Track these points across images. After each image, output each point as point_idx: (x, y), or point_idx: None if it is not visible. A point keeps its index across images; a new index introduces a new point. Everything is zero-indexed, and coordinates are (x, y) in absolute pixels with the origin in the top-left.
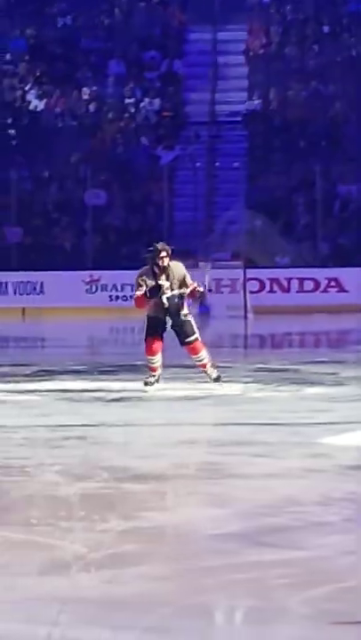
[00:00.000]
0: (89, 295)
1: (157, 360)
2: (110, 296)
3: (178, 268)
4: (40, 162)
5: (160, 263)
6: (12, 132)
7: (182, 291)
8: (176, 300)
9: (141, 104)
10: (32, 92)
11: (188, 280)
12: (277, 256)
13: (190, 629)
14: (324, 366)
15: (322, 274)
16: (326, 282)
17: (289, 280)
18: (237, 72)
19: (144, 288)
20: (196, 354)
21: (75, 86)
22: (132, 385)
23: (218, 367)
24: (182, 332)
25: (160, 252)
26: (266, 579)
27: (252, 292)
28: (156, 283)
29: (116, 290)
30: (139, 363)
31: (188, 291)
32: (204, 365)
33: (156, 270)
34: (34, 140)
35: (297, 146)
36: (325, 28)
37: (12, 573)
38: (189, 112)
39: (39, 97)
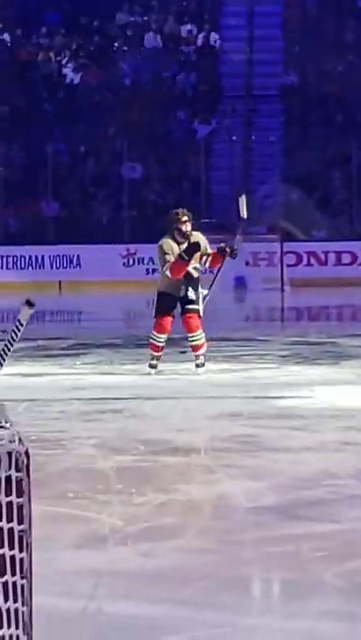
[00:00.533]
0: (126, 269)
1: (164, 339)
2: (147, 269)
3: (199, 237)
4: (76, 136)
5: (183, 228)
6: (49, 106)
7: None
8: (196, 273)
9: (177, 77)
10: (68, 65)
11: (209, 250)
12: (314, 230)
13: (227, 603)
14: None
15: (359, 247)
16: None
17: (326, 253)
18: (274, 46)
19: (172, 256)
20: (192, 330)
21: (111, 60)
22: (168, 357)
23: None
24: (189, 300)
25: (182, 216)
26: (302, 552)
27: (289, 266)
28: (190, 243)
29: (153, 263)
30: (176, 336)
31: (210, 258)
32: (199, 347)
33: (179, 238)
34: (70, 114)
35: (333, 120)
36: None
37: (49, 547)
38: (225, 85)
39: (75, 70)
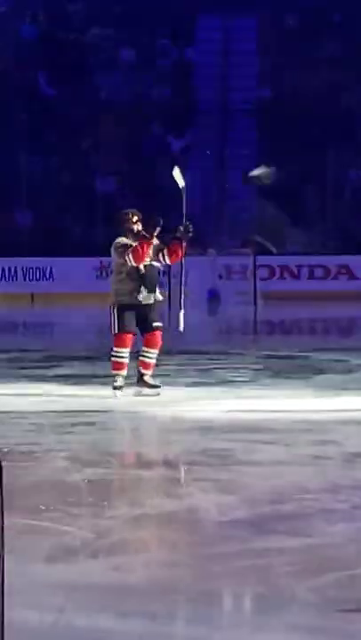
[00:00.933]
0: (98, 281)
1: (127, 354)
2: None
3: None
4: (51, 148)
5: (135, 228)
6: (23, 117)
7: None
8: (156, 271)
9: (152, 91)
10: (43, 78)
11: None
12: (287, 244)
13: (198, 616)
14: (334, 354)
15: (332, 261)
16: (336, 269)
17: (299, 267)
18: (248, 60)
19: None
20: (154, 347)
21: (85, 73)
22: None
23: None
24: (151, 315)
25: (132, 216)
26: (273, 566)
27: (262, 279)
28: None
29: None
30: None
31: (167, 251)
32: (151, 366)
33: (131, 238)
34: (44, 127)
35: (308, 135)
36: (337, 17)
37: (19, 559)
38: (200, 99)
39: (50, 83)
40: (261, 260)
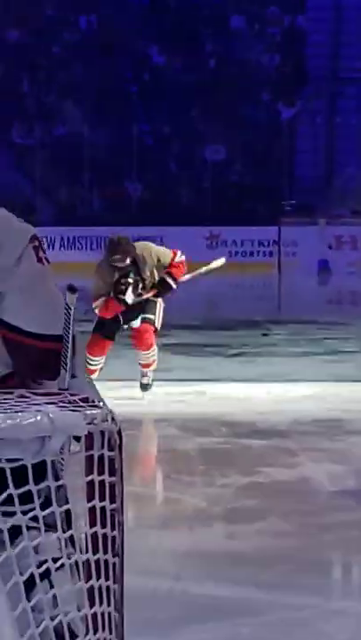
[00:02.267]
0: (209, 251)
1: (99, 363)
2: (230, 252)
3: (145, 248)
4: (160, 118)
5: (118, 265)
6: (134, 87)
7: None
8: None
9: (262, 59)
10: (153, 47)
11: (165, 257)
12: None
13: (308, 586)
14: None
15: None
16: None
17: None
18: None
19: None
20: (147, 347)
21: (195, 42)
22: (251, 340)
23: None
24: (142, 309)
25: (112, 254)
26: None
27: None
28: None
29: (236, 245)
30: (258, 319)
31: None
32: (150, 365)
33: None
34: (155, 96)
35: None
36: None
37: (133, 528)
38: (311, 67)
39: (160, 52)
40: None
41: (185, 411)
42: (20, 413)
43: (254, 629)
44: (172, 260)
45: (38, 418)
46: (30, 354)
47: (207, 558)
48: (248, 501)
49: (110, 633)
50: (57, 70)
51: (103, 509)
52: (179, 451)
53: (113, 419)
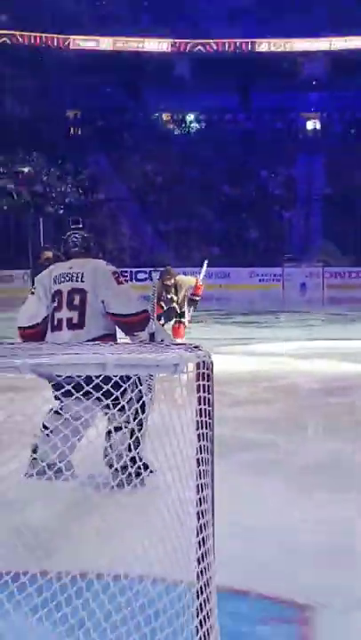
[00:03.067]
0: None
1: None
2: None
3: (183, 281)
4: None
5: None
6: None
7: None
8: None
9: None
10: None
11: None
12: None
13: None
14: None
15: None
16: None
17: None
18: None
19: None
20: (180, 337)
21: None
22: None
23: None
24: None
25: (167, 279)
26: None
27: None
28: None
29: None
30: None
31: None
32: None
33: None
34: None
35: None
36: None
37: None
38: None
39: None
40: None
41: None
42: (161, 353)
43: None
44: (196, 283)
45: (174, 355)
46: (127, 323)
47: (290, 505)
48: None
49: None
50: None
51: (207, 401)
52: None
53: (210, 355)
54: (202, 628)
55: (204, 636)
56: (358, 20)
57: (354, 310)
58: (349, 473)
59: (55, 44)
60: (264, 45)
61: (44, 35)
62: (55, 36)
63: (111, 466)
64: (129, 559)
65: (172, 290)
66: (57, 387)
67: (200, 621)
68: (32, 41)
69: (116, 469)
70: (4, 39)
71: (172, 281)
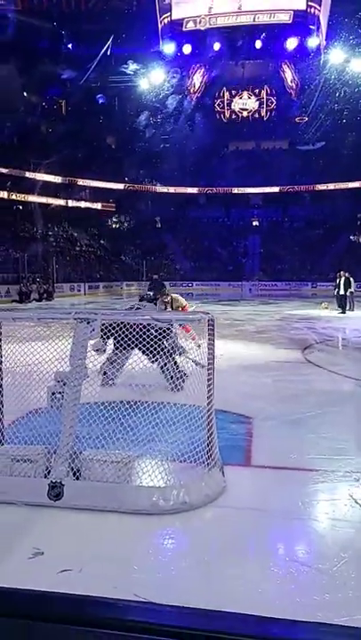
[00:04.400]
0: None
1: None
2: None
3: (177, 300)
4: None
5: (165, 301)
6: None
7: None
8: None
9: None
10: None
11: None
12: None
13: None
14: None
15: None
16: None
17: None
18: None
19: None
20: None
21: None
22: None
23: None
24: None
25: (164, 295)
26: None
27: None
28: None
29: None
30: None
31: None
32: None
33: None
34: None
35: None
36: None
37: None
38: None
39: None
40: None
41: None
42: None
43: None
44: (185, 304)
45: (199, 315)
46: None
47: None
48: None
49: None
50: None
51: (212, 336)
52: None
53: (213, 316)
54: (208, 424)
55: (210, 428)
56: None
57: (270, 300)
58: None
59: None
60: None
61: None
62: None
63: (172, 377)
64: (170, 397)
65: (169, 306)
66: (115, 342)
67: (208, 422)
68: None
69: (171, 376)
70: None
71: (169, 298)
